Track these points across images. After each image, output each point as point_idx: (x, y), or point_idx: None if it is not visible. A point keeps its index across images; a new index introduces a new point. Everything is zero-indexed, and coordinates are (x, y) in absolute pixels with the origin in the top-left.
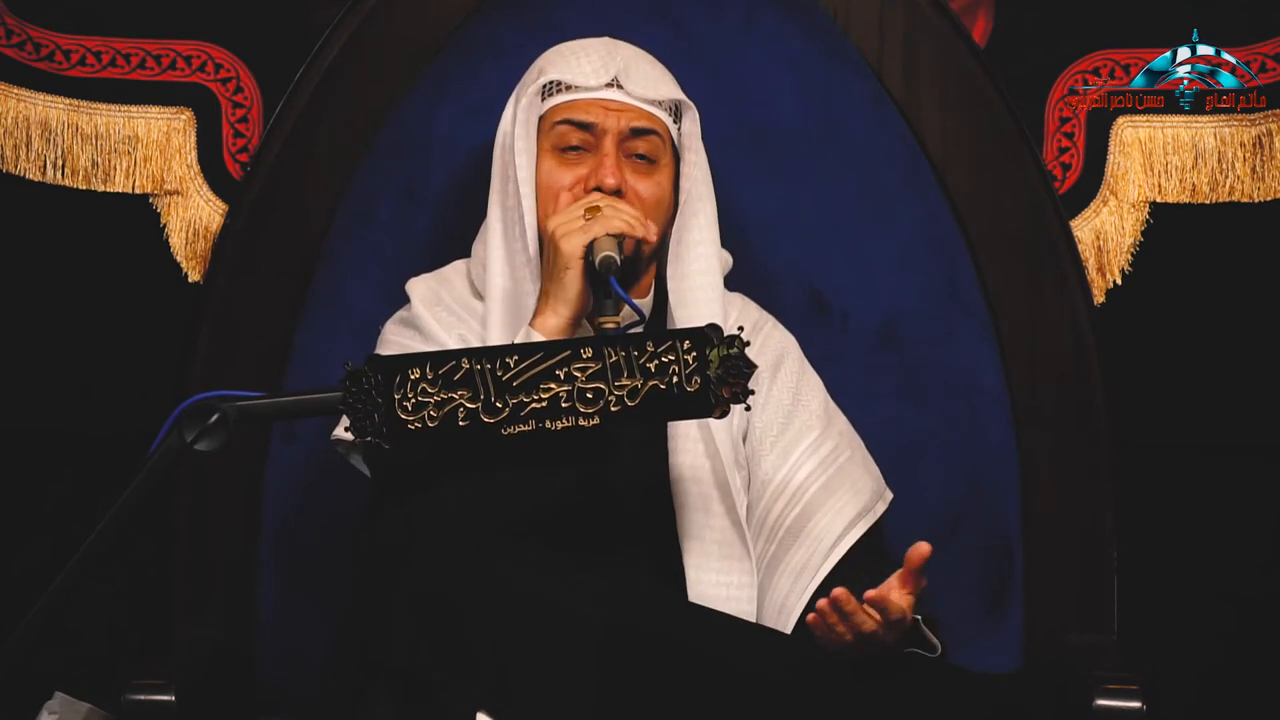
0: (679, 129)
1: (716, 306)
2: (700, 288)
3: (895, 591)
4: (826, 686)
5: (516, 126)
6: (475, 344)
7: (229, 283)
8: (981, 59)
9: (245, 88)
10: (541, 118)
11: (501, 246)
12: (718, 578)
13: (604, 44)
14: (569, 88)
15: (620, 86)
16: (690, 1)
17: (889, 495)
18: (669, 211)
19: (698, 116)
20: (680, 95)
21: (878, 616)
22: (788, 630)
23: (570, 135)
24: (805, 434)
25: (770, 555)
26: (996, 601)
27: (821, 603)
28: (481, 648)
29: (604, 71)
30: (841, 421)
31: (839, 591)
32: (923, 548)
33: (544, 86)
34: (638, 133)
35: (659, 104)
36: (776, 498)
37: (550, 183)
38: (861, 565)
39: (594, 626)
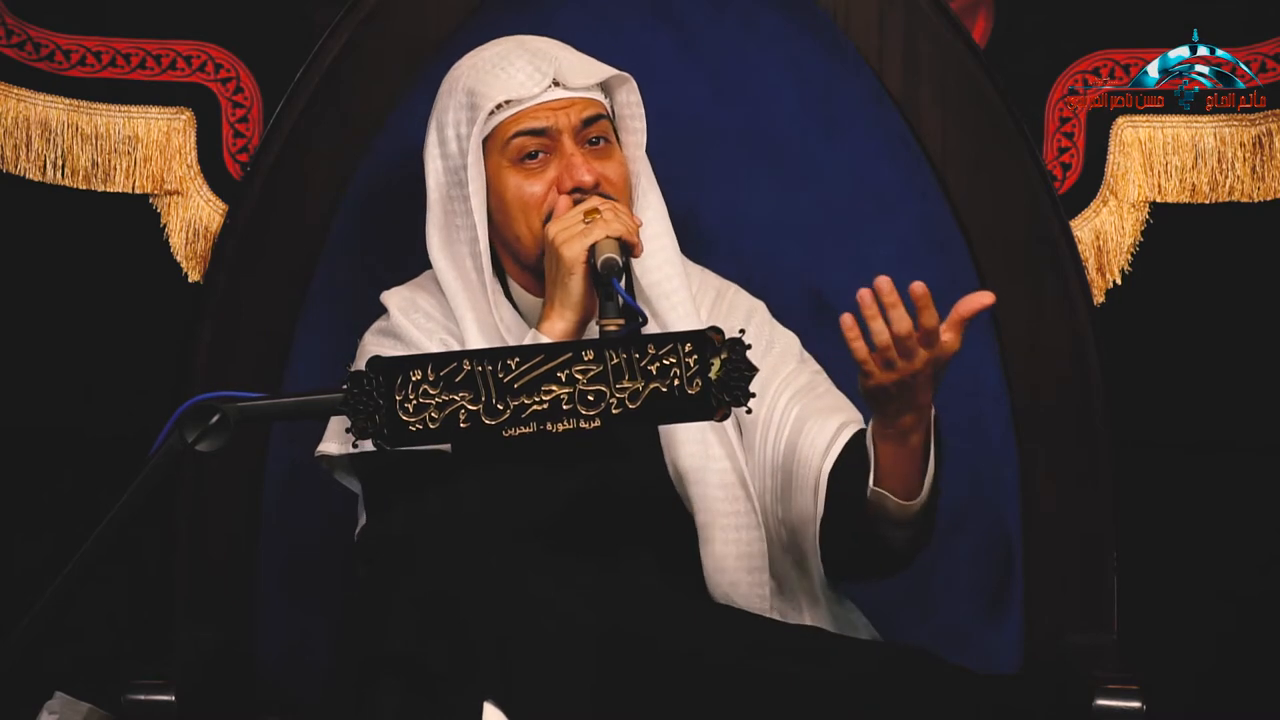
0: (611, 103)
1: (676, 267)
2: (658, 250)
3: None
4: (827, 686)
5: (470, 154)
6: (457, 346)
7: (229, 282)
8: (981, 59)
9: (245, 88)
10: (487, 135)
11: (450, 265)
12: (734, 561)
13: (520, 46)
14: (508, 103)
15: (560, 84)
16: (690, 1)
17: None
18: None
19: (634, 85)
20: (610, 70)
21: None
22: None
23: (528, 145)
24: (780, 368)
25: (781, 483)
26: (996, 601)
27: (862, 292)
28: (484, 648)
29: (539, 76)
30: (815, 365)
31: (881, 279)
32: (985, 297)
33: (490, 110)
34: (589, 122)
35: (594, 87)
36: (767, 429)
37: (521, 195)
38: (864, 460)
39: (593, 629)
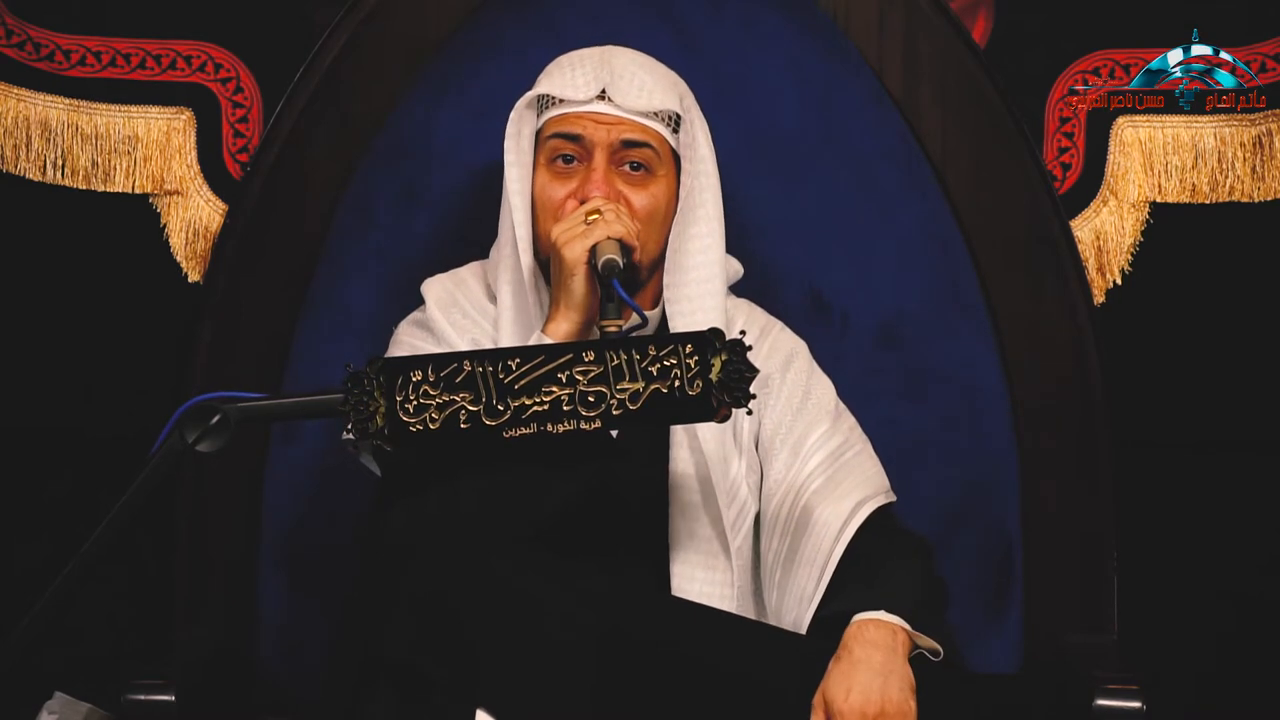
0: (678, 137)
1: (716, 314)
2: (699, 296)
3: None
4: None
5: (507, 140)
6: (488, 347)
7: (229, 283)
8: (981, 59)
9: (245, 88)
10: (539, 131)
11: (508, 256)
12: (702, 574)
13: (599, 54)
14: (559, 101)
15: (609, 99)
16: (690, 1)
17: (893, 496)
18: (668, 221)
19: (703, 124)
20: (675, 106)
21: None
22: (806, 620)
23: (562, 147)
24: (814, 427)
25: (786, 549)
26: (996, 601)
27: None
28: (480, 649)
29: (593, 84)
30: (850, 419)
31: None
32: None
33: (536, 100)
34: (629, 144)
35: (652, 115)
36: (788, 493)
37: (544, 196)
38: (874, 548)
39: (592, 630)
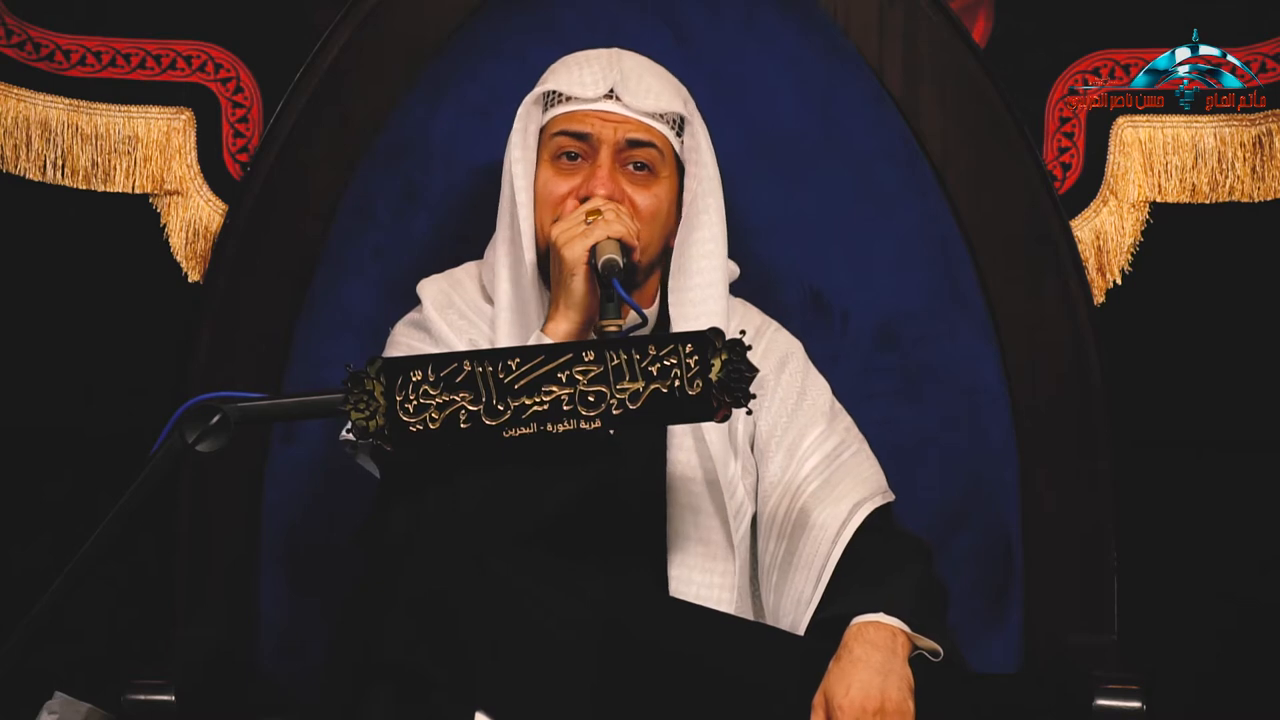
0: (682, 141)
1: (718, 319)
2: (702, 300)
3: None
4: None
5: (513, 135)
6: (485, 347)
7: (229, 283)
8: (981, 59)
9: (245, 88)
10: (543, 128)
11: (507, 254)
12: (700, 576)
13: (608, 55)
14: (567, 99)
15: (617, 98)
16: (690, 2)
17: (891, 496)
18: (669, 223)
19: (704, 129)
20: (681, 109)
21: None
22: (804, 623)
23: (567, 144)
24: (810, 429)
25: (783, 552)
26: (996, 601)
27: None
28: (478, 649)
29: (602, 82)
30: (846, 419)
31: None
32: None
33: (543, 97)
34: (634, 144)
35: (658, 116)
36: (784, 495)
37: (546, 192)
38: (872, 550)
39: (591, 630)
